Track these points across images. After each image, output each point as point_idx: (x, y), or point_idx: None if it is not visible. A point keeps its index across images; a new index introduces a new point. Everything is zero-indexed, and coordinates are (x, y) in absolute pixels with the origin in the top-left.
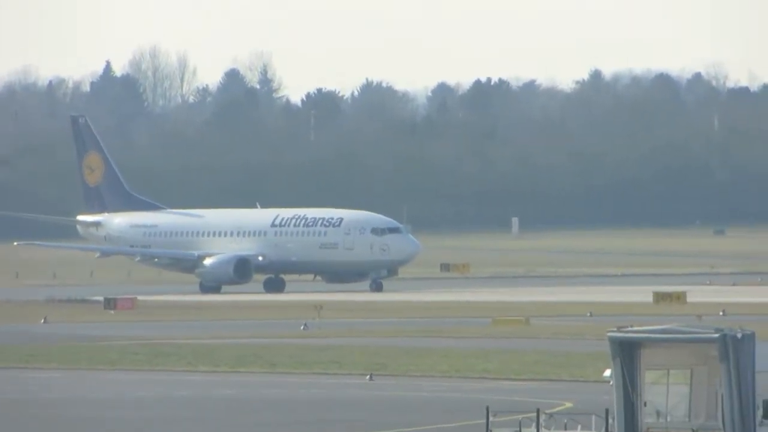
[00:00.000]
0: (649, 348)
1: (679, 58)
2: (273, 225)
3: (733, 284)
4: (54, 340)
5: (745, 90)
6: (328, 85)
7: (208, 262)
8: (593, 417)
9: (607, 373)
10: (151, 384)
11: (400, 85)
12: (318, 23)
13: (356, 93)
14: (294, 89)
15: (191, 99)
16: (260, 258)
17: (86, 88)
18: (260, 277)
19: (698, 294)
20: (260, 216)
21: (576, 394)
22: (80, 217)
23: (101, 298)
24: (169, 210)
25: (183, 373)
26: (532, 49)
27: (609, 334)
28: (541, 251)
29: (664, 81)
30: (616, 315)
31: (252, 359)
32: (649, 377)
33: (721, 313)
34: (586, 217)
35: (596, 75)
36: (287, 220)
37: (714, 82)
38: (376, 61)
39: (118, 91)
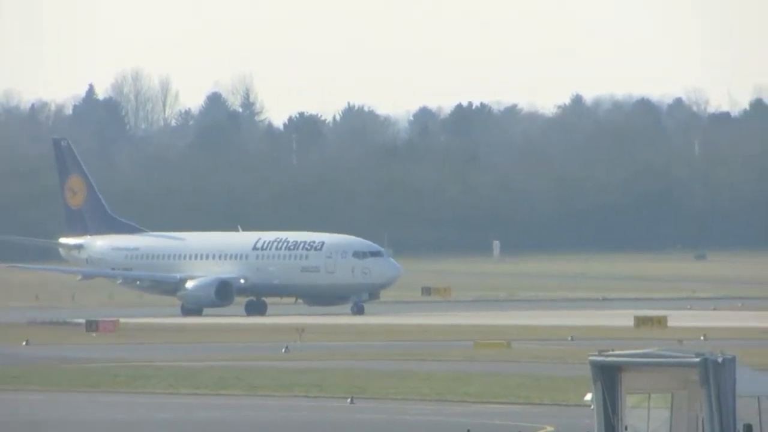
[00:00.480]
0: (630, 372)
1: (660, 83)
2: (255, 248)
3: (714, 309)
4: (36, 362)
5: (725, 115)
6: (310, 109)
7: (189, 284)
8: None
9: (588, 396)
10: (133, 406)
11: (381, 109)
12: (300, 47)
13: (338, 117)
14: (276, 113)
15: (173, 122)
16: (242, 281)
17: (69, 111)
18: (242, 300)
19: (679, 318)
20: (242, 239)
21: (557, 418)
22: (62, 240)
23: (83, 321)
24: (150, 233)
25: (164, 396)
26: (514, 74)
27: (590, 358)
28: (523, 275)
29: (645, 106)
30: (598, 339)
31: (233, 382)
32: (630, 401)
33: (702, 338)
34: (567, 241)
35: (577, 100)
36: (269, 243)
37: (695, 107)
38: (357, 86)
39: (101, 115)
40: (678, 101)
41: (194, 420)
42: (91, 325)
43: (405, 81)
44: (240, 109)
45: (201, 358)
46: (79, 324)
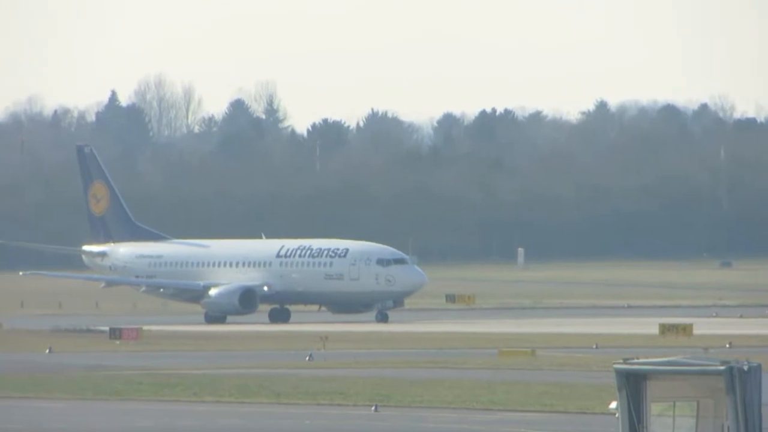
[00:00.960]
0: (655, 380)
1: (686, 89)
2: (278, 255)
3: (740, 316)
4: (59, 370)
5: (751, 121)
6: (334, 116)
7: (213, 292)
8: None
9: (613, 405)
10: (156, 414)
11: (405, 116)
12: (324, 54)
13: (362, 123)
14: (299, 119)
15: (196, 129)
16: (265, 288)
17: (91, 117)
18: (265, 308)
19: (705, 326)
20: (266, 246)
21: (582, 426)
22: (85, 247)
23: (107, 328)
24: (174, 240)
25: (188, 404)
26: (538, 80)
27: (615, 366)
28: (547, 282)
29: (670, 112)
30: (622, 347)
31: (257, 389)
32: (655, 409)
33: (727, 346)
34: (592, 248)
35: (602, 106)
36: (292, 250)
37: (720, 113)
38: (381, 92)
39: (124, 121)
40: (703, 107)
41: (218, 428)
42: (115, 333)
43: (429, 87)
44: (263, 116)
45: (225, 366)
46: (102, 331)
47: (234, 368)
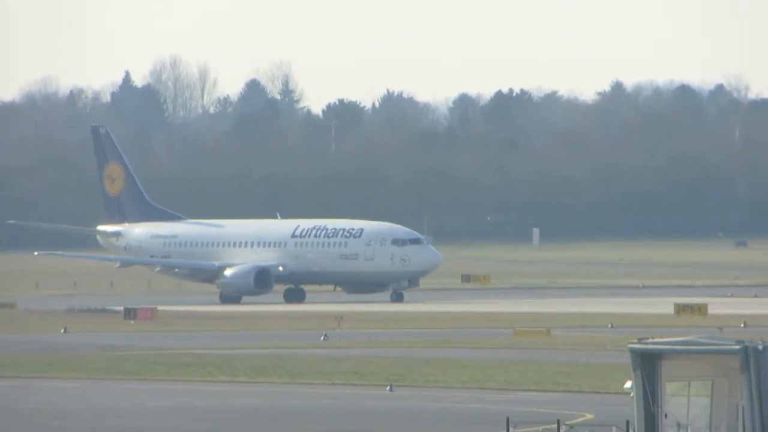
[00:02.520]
0: (670, 360)
1: (701, 70)
2: (293, 236)
3: (755, 296)
4: (74, 350)
5: (766, 101)
6: (349, 96)
7: (228, 272)
8: (614, 429)
9: (628, 384)
10: (171, 394)
11: (421, 96)
12: (339, 34)
13: (377, 104)
14: (315, 100)
15: (212, 109)
16: (281, 268)
17: (106, 98)
18: (280, 288)
19: (719, 306)
20: (281, 226)
21: (597, 406)
22: (100, 227)
23: (121, 308)
24: (189, 220)
25: (202, 384)
26: (554, 60)
27: (630, 345)
28: (562, 262)
29: (685, 92)
30: (637, 327)
31: (272, 370)
32: (670, 389)
33: (742, 325)
34: (607, 228)
35: (618, 86)
36: (308, 230)
37: (735, 94)
38: (397, 72)
39: (139, 102)
40: (719, 87)
41: (232, 408)
42: (130, 313)
43: (444, 67)
44: (279, 96)
45: (239, 346)
46: (117, 311)
47: (249, 348)
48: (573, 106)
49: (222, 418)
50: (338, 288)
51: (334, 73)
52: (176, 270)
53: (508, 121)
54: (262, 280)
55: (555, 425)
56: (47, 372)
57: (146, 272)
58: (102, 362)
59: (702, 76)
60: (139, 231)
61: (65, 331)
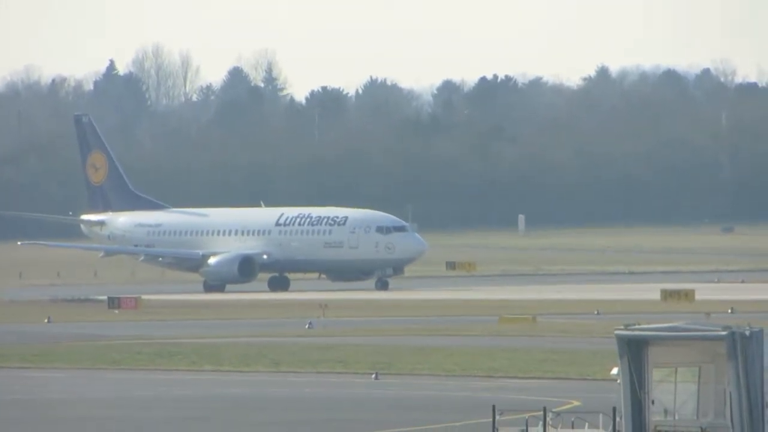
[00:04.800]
0: (656, 346)
1: (687, 54)
2: (278, 224)
3: (742, 282)
4: (58, 340)
5: (753, 86)
6: (333, 83)
7: (212, 261)
8: (600, 415)
9: (615, 371)
10: (155, 383)
11: (404, 83)
12: (322, 21)
13: (361, 91)
14: (298, 87)
15: (194, 97)
16: (265, 257)
17: (89, 86)
18: (265, 276)
19: (706, 292)
20: (265, 215)
21: (583, 393)
22: (84, 217)
23: (105, 298)
24: (173, 209)
25: (187, 373)
26: (539, 46)
27: (616, 332)
28: (548, 249)
29: (671, 77)
30: (624, 313)
31: (256, 358)
32: (656, 375)
33: (729, 311)
34: (593, 214)
35: (603, 71)
36: (292, 218)
37: (722, 78)
38: (380, 59)
39: (121, 90)
40: (705, 72)
41: (217, 397)
42: (113, 302)
43: (428, 54)
44: (262, 84)
45: (224, 335)
46: (101, 301)
47: (233, 337)
48: (558, 91)
49: (207, 407)
50: (323, 276)
51: (317, 60)
52: (160, 259)
53: (492, 107)
54: (246, 268)
55: (541, 412)
56: (31, 362)
57: (130, 261)
58: (86, 352)
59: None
60: (123, 220)
61: (49, 321)
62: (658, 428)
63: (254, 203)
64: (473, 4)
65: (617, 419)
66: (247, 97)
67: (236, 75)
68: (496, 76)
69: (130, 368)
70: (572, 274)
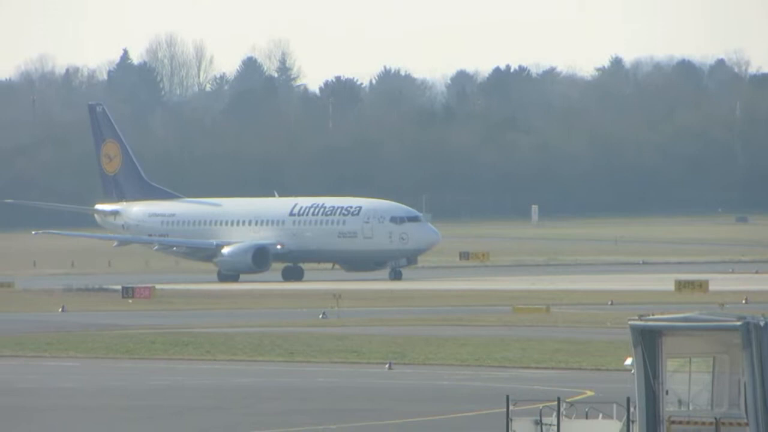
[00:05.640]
0: (670, 336)
1: (702, 45)
2: (291, 214)
3: (756, 272)
4: (72, 329)
5: (767, 76)
6: (347, 74)
7: (226, 250)
8: (614, 405)
9: (629, 361)
10: (169, 373)
11: (418, 73)
12: (336, 11)
13: (374, 81)
14: (312, 78)
15: (208, 87)
16: (279, 246)
17: (103, 76)
18: (279, 266)
19: (720, 282)
20: (279, 205)
21: (597, 383)
22: (98, 206)
23: (119, 287)
24: (186, 199)
25: (201, 362)
26: (553, 36)
27: (630, 322)
28: (562, 239)
29: (686, 67)
30: (638, 303)
31: (270, 348)
32: (670, 365)
33: (743, 301)
34: (606, 204)
35: (617, 62)
36: (306, 208)
37: (736, 69)
38: (394, 49)
39: (135, 80)
40: (719, 63)
41: (231, 386)
42: (127, 292)
43: (442, 44)
44: (276, 74)
45: (237, 324)
46: (115, 290)
47: (247, 326)
48: (572, 82)
49: (220, 397)
50: (336, 266)
51: (331, 50)
52: (174, 248)
53: (506, 97)
54: (260, 258)
55: (555, 402)
56: (45, 351)
57: (144, 251)
58: (100, 341)
59: (702, 50)
60: (137, 210)
61: (63, 310)
62: (672, 418)
63: (267, 193)
64: None
65: (631, 409)
66: (261, 87)
67: (250, 65)
68: (509, 67)
69: (144, 358)
70: (586, 265)
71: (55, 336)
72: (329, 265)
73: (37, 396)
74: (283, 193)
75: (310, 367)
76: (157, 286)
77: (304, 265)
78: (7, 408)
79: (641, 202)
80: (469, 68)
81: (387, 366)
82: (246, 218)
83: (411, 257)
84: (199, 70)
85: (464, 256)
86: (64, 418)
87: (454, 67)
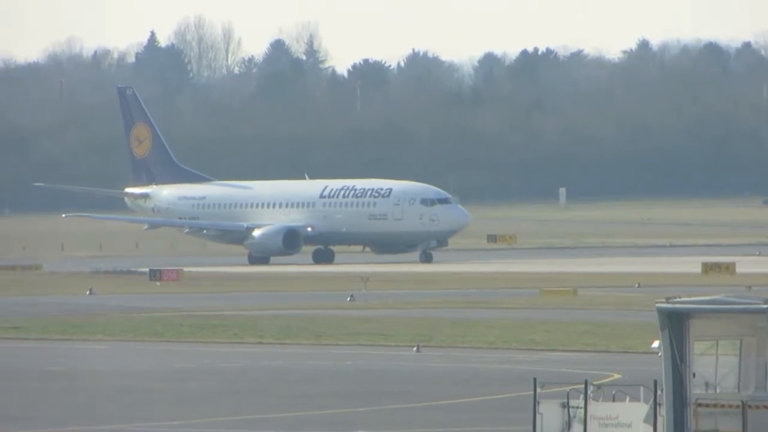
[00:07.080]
0: (697, 319)
1: (728, 28)
2: (322, 196)
3: None
4: (99, 312)
5: None
6: (375, 56)
7: (257, 233)
8: (641, 388)
9: (656, 344)
10: (197, 356)
11: (446, 56)
12: None
13: (402, 63)
14: (340, 60)
15: (236, 70)
16: (309, 229)
17: (131, 58)
18: (309, 249)
19: (747, 264)
20: (309, 187)
21: (624, 366)
22: (128, 190)
23: (147, 270)
24: (216, 182)
25: (229, 345)
26: (580, 19)
27: (657, 305)
28: (589, 222)
29: (712, 50)
30: (665, 286)
31: (298, 331)
32: (697, 348)
33: None
34: (634, 187)
35: (644, 45)
36: (336, 191)
37: (763, 52)
38: (422, 32)
39: (163, 62)
40: (746, 45)
41: (259, 369)
42: (155, 274)
43: (470, 27)
44: (304, 57)
45: (265, 307)
46: (142, 273)
47: (275, 309)
48: (599, 64)
49: (248, 380)
50: (367, 249)
51: (359, 32)
52: (205, 231)
53: (533, 80)
54: (290, 240)
55: (582, 385)
56: (73, 334)
57: (172, 234)
58: (128, 324)
59: (729, 33)
60: (167, 193)
61: (91, 292)
62: (699, 401)
63: (296, 176)
64: None
65: (658, 392)
66: (289, 70)
67: (278, 47)
68: (536, 49)
69: (172, 340)
70: (613, 247)
71: (83, 319)
72: (360, 248)
73: (66, 379)
74: (312, 176)
75: (337, 350)
76: (185, 269)
77: (335, 248)
78: (35, 390)
79: (667, 185)
80: (497, 51)
81: (415, 349)
82: (276, 201)
83: (441, 239)
84: (227, 53)
85: (492, 238)
86: (92, 401)
87: (482, 49)
